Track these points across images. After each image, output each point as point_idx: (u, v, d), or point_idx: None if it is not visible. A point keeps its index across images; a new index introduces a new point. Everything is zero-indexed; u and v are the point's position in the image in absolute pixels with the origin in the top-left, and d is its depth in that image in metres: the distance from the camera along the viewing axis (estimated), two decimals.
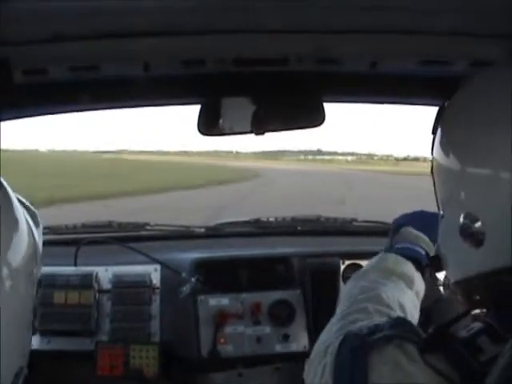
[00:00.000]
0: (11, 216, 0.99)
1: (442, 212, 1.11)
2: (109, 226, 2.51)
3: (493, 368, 0.90)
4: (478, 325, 0.98)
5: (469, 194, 1.00)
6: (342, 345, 1.08)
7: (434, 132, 1.16)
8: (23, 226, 1.01)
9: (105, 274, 2.16)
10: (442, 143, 1.10)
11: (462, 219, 1.00)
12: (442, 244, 1.15)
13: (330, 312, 2.16)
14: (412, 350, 0.98)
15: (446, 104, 1.15)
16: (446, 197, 1.09)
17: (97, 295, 2.11)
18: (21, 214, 1.02)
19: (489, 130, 0.99)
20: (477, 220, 0.98)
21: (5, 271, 0.93)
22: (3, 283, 0.92)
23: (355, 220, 2.61)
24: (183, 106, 1.96)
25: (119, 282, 2.14)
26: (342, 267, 2.23)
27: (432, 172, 1.17)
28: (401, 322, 1.07)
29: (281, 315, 2.12)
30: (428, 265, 1.29)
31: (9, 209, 1.00)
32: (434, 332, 1.00)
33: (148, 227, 2.53)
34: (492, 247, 0.97)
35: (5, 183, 1.01)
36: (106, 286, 2.15)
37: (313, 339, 2.12)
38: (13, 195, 1.03)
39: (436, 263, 1.17)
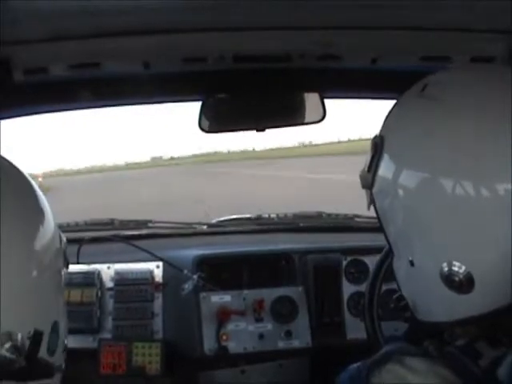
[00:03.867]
0: (38, 207, 0.99)
1: (410, 258, 1.01)
2: (111, 223, 2.51)
3: (505, 360, 0.91)
4: (474, 332, 0.98)
5: (452, 240, 0.93)
6: (340, 376, 1.07)
7: (372, 166, 1.06)
8: (50, 221, 1.01)
9: (107, 271, 2.16)
10: (405, 181, 0.99)
11: (445, 268, 0.93)
12: (411, 291, 1.07)
13: (333, 308, 2.18)
14: (412, 362, 0.98)
15: (384, 132, 1.06)
16: (415, 245, 1.00)
17: (99, 293, 2.11)
18: (47, 208, 1.02)
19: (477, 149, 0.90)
20: (463, 267, 0.91)
21: (30, 261, 0.94)
22: (29, 272, 0.93)
23: (357, 216, 2.61)
24: (184, 102, 1.96)
25: (122, 280, 2.14)
26: (344, 263, 2.23)
27: (377, 215, 1.10)
28: (393, 340, 1.06)
29: (283, 312, 2.12)
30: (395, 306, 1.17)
31: (35, 199, 0.99)
32: (431, 342, 1.00)
33: (150, 225, 2.53)
34: (483, 291, 0.92)
35: (27, 175, 1.01)
36: (109, 283, 2.15)
37: (315, 335, 2.12)
38: (38, 190, 1.02)
39: (403, 305, 1.09)
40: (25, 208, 0.97)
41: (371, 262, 2.07)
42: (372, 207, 1.13)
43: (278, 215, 2.64)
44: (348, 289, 2.21)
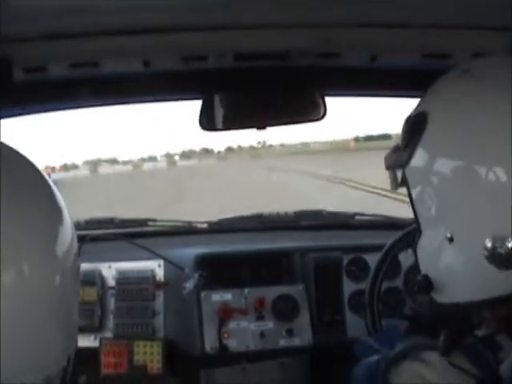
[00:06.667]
0: (56, 206, 0.95)
1: (448, 235, 0.98)
2: (112, 222, 2.51)
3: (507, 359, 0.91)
4: (493, 324, 0.97)
5: (497, 213, 0.91)
6: (357, 370, 1.07)
7: (411, 143, 1.05)
8: (67, 219, 0.96)
9: (108, 270, 2.16)
10: (452, 157, 0.98)
11: (489, 243, 0.91)
12: (443, 269, 1.03)
13: (334, 306, 2.18)
14: (431, 357, 0.97)
15: (425, 107, 1.05)
16: (457, 221, 0.98)
17: (100, 292, 2.12)
18: (63, 205, 0.97)
19: None
20: (509, 240, 0.90)
21: (53, 267, 0.89)
22: (52, 278, 0.88)
23: (358, 214, 2.61)
24: (185, 101, 1.96)
25: (123, 279, 2.15)
26: (345, 261, 2.23)
27: (409, 193, 1.07)
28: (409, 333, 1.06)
29: (284, 310, 2.12)
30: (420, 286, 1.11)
31: (52, 197, 0.95)
32: (452, 336, 0.98)
33: (151, 223, 2.53)
34: None
35: (42, 171, 0.97)
36: (110, 282, 2.15)
37: (316, 333, 2.13)
38: (53, 185, 0.97)
39: (427, 285, 1.06)
40: (43, 207, 0.92)
41: (372, 259, 2.07)
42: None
43: (278, 213, 2.64)
44: (349, 287, 2.21)
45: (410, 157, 1.04)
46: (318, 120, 1.78)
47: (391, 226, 2.40)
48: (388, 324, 1.75)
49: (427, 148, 1.02)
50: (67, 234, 0.95)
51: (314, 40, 1.40)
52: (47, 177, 0.97)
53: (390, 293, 2.12)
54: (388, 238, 1.82)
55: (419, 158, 1.03)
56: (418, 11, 1.19)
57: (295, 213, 2.65)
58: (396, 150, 1.11)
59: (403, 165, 1.06)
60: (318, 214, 2.64)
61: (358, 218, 2.60)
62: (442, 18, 1.23)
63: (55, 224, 0.93)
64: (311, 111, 1.78)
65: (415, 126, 1.04)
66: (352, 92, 1.98)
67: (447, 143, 0.99)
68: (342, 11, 1.20)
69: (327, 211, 2.65)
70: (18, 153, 0.94)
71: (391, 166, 1.12)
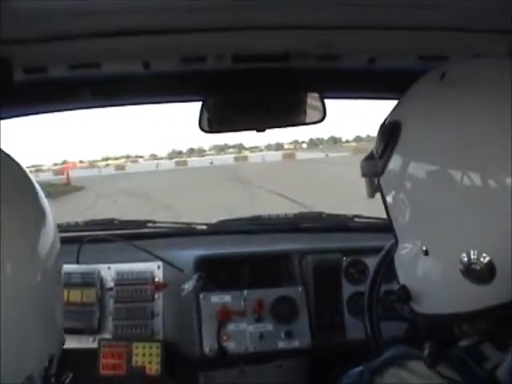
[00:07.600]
0: (39, 206, 0.95)
1: (424, 248, 0.97)
2: (111, 223, 2.51)
3: (504, 362, 0.90)
4: (481, 328, 0.96)
5: (473, 228, 0.89)
6: (343, 380, 1.07)
7: (386, 153, 1.02)
8: (50, 220, 0.96)
9: (107, 271, 2.16)
10: (425, 169, 0.95)
11: (464, 258, 0.90)
12: (419, 281, 1.01)
13: (333, 308, 2.18)
14: (416, 366, 0.96)
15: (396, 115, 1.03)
16: (432, 234, 0.96)
17: (99, 293, 2.11)
18: (47, 206, 0.98)
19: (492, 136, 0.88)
20: (484, 256, 0.88)
21: (35, 267, 0.89)
22: (33, 279, 0.88)
23: (357, 216, 2.61)
24: (184, 102, 1.96)
25: (122, 280, 2.14)
26: (344, 263, 2.23)
27: (385, 203, 1.06)
28: (393, 342, 1.06)
29: (283, 312, 2.12)
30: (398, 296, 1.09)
31: (36, 198, 0.95)
32: (436, 348, 0.97)
33: (150, 224, 2.53)
34: (503, 281, 0.88)
35: (28, 172, 0.97)
36: (109, 283, 2.15)
37: (315, 336, 2.12)
38: (38, 186, 0.98)
39: (405, 295, 1.04)
40: (28, 208, 0.93)
41: (371, 262, 2.07)
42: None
43: (278, 215, 2.64)
44: (348, 289, 2.21)
45: (384, 167, 1.03)
46: (317, 122, 1.79)
47: (390, 228, 2.40)
48: (386, 329, 1.75)
49: (400, 159, 1.00)
50: (50, 234, 0.95)
51: (313, 42, 1.41)
52: (32, 177, 0.98)
53: (389, 295, 2.12)
54: (387, 241, 1.82)
55: (393, 169, 1.01)
56: (417, 14, 1.19)
57: (294, 215, 2.65)
58: (370, 157, 1.08)
59: (378, 174, 1.05)
60: (317, 216, 2.64)
61: (357, 220, 2.60)
62: (441, 20, 1.24)
63: (38, 224, 0.93)
64: (311, 113, 1.78)
65: (389, 135, 1.02)
66: (351, 94, 1.98)
67: (419, 155, 0.97)
68: (341, 13, 1.20)
69: (326, 213, 2.65)
70: (3, 152, 0.94)
71: (367, 175, 1.11)
